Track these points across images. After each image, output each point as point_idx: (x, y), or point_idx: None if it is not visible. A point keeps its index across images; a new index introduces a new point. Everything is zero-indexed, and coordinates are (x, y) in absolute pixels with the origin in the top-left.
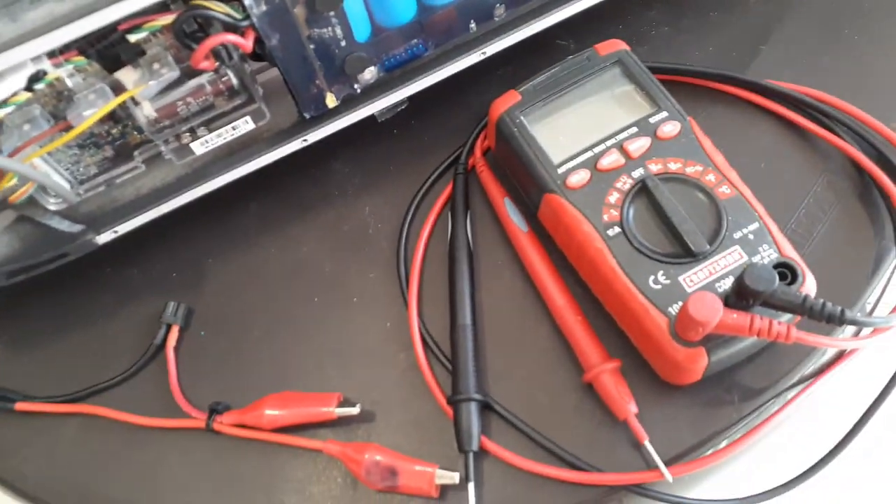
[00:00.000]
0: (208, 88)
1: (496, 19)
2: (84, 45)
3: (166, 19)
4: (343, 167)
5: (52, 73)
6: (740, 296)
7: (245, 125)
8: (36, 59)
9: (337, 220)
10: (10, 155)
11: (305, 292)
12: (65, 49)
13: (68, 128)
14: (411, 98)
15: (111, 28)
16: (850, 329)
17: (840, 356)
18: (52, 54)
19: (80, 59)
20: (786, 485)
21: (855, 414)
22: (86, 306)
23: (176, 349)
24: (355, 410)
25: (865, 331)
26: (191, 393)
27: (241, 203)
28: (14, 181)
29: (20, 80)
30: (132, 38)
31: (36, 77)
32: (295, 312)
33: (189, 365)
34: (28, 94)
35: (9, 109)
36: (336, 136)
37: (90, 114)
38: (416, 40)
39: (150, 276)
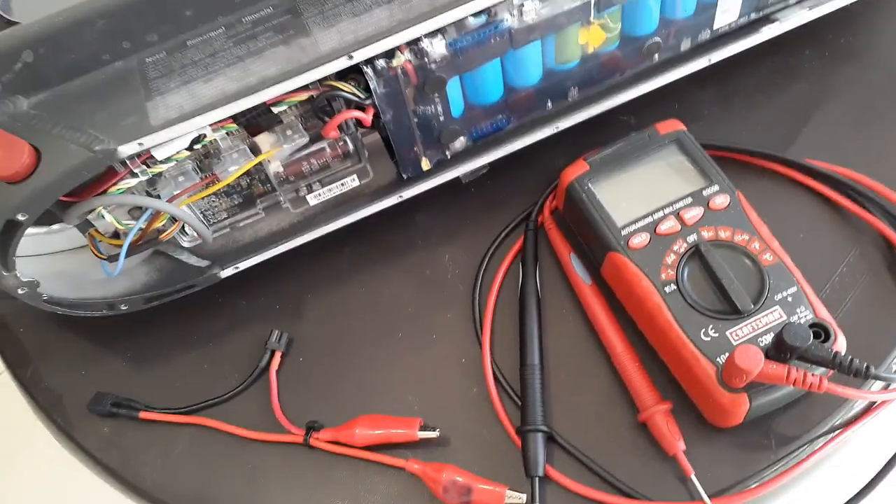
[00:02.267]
0: (328, 152)
1: (569, 99)
2: (237, 115)
3: (303, 96)
4: (427, 219)
5: (210, 136)
6: (779, 350)
7: (352, 182)
8: (201, 126)
9: (420, 265)
10: (169, 201)
11: (391, 328)
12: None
13: (213, 180)
14: (491, 163)
15: (262, 102)
16: (879, 385)
17: (868, 409)
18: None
19: (233, 126)
20: None
21: (880, 461)
22: (200, 331)
23: (278, 372)
24: (435, 434)
25: (893, 387)
26: (289, 412)
27: (337, 246)
28: (164, 222)
29: (185, 142)
30: (275, 109)
31: (197, 139)
32: (381, 344)
33: (288, 387)
34: (188, 153)
35: (171, 164)
36: (423, 194)
37: (234, 170)
38: (500, 116)
39: (256, 307)
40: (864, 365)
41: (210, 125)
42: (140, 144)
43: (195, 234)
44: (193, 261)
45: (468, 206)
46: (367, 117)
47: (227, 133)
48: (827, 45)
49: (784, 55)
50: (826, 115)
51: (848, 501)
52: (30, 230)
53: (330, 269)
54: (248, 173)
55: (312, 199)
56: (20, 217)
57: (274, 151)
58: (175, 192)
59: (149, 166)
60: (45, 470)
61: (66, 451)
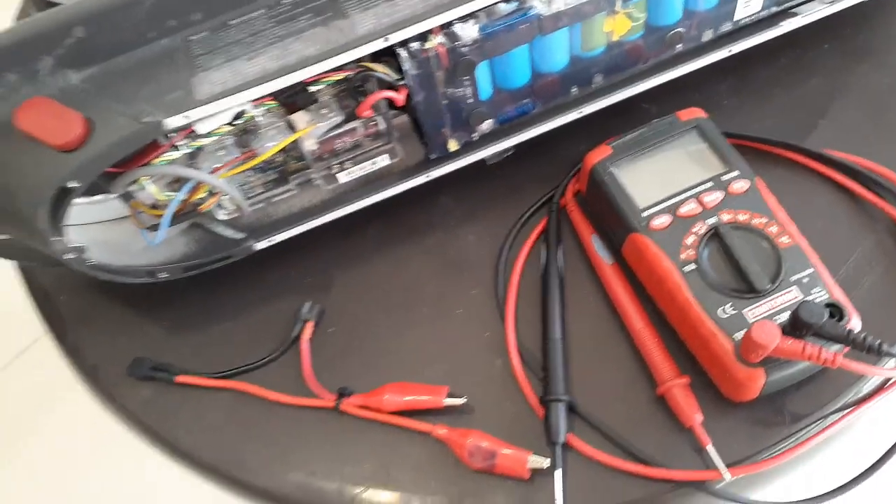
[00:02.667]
0: (361, 131)
1: (593, 86)
2: (276, 92)
3: (339, 76)
4: (450, 201)
5: (250, 112)
6: (795, 327)
7: (382, 161)
8: (242, 102)
9: (444, 244)
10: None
11: (416, 302)
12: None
13: (251, 155)
14: (515, 146)
15: (300, 80)
16: (892, 364)
17: (880, 388)
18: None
19: (272, 103)
20: (824, 495)
21: (891, 439)
22: (235, 302)
23: (310, 342)
24: (461, 401)
25: None
26: (321, 379)
27: (365, 224)
28: (203, 194)
29: (227, 117)
30: (312, 88)
31: (238, 115)
32: (408, 318)
33: (320, 356)
34: (229, 128)
35: (212, 139)
36: (447, 175)
37: (272, 145)
38: (527, 100)
39: (287, 280)
40: (878, 342)
41: (251, 101)
42: (186, 117)
43: (232, 207)
44: (229, 233)
45: (492, 189)
46: (400, 98)
47: (266, 110)
48: (845, 41)
49: (802, 49)
50: (841, 109)
51: (858, 476)
52: (75, 200)
53: (358, 246)
54: (283, 150)
55: (343, 177)
56: (72, 184)
57: (310, 129)
58: (215, 166)
59: (191, 140)
60: (82, 433)
61: (104, 415)
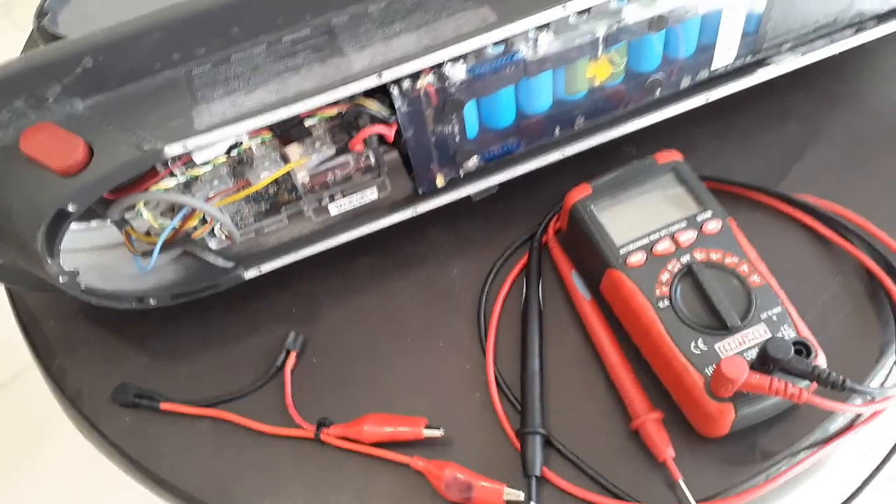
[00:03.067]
0: (352, 165)
1: (576, 127)
2: (272, 125)
3: (333, 111)
4: (438, 234)
5: (246, 143)
6: (763, 362)
7: (371, 194)
8: (239, 133)
9: (430, 277)
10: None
11: (400, 334)
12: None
13: (245, 185)
14: (500, 184)
15: (296, 114)
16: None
17: (849, 427)
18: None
19: (268, 135)
20: None
21: (861, 476)
22: (221, 331)
23: (292, 372)
24: (440, 433)
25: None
26: (302, 409)
27: (353, 257)
28: (196, 222)
29: (223, 147)
30: (307, 122)
31: (234, 145)
32: (391, 349)
33: (302, 386)
34: (224, 158)
35: (208, 168)
36: (434, 211)
37: (266, 176)
38: (512, 139)
39: (274, 310)
40: (841, 378)
41: (248, 133)
42: (184, 146)
43: (223, 236)
44: (220, 262)
45: (477, 224)
46: (390, 133)
47: (261, 141)
48: (819, 89)
49: (778, 97)
50: (815, 155)
51: None
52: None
53: (345, 278)
54: (276, 182)
55: (333, 209)
56: (70, 208)
57: (303, 161)
58: (210, 195)
59: (187, 169)
60: (68, 460)
61: (87, 442)
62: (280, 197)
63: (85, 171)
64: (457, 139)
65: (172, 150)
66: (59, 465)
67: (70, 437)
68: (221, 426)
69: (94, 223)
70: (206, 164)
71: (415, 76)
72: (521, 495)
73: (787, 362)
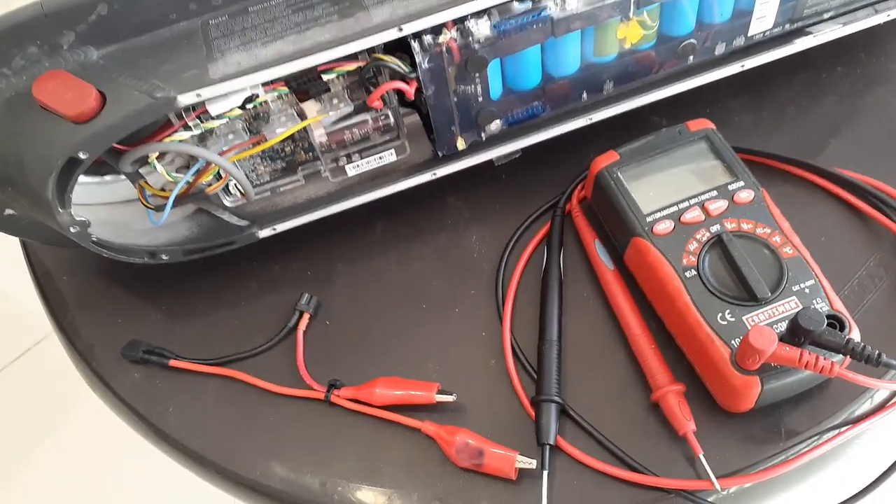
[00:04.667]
0: (370, 123)
1: (604, 93)
2: (288, 78)
3: (352, 66)
4: (457, 202)
5: (262, 97)
6: (793, 334)
7: (389, 156)
8: (255, 85)
9: (448, 244)
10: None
11: (416, 300)
12: (275, 80)
13: (261, 140)
14: (524, 149)
15: (313, 68)
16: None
17: (880, 408)
18: (264, 83)
19: (284, 89)
20: None
21: (887, 462)
22: (234, 290)
23: (305, 333)
24: (452, 398)
25: None
26: (313, 371)
27: (370, 221)
28: (210, 177)
29: (239, 99)
30: (325, 77)
31: (250, 98)
32: (406, 315)
33: (314, 348)
34: (240, 111)
35: (223, 121)
36: (454, 175)
37: (282, 131)
38: (536, 102)
39: (288, 272)
40: (877, 352)
41: (263, 85)
42: (198, 95)
43: (238, 193)
44: (234, 220)
45: (498, 192)
46: (410, 90)
47: (278, 95)
48: (859, 63)
49: (816, 70)
50: (853, 132)
51: (849, 499)
52: (82, 178)
53: (362, 243)
54: (292, 140)
55: (351, 170)
56: (81, 155)
57: (320, 117)
58: (224, 149)
59: (202, 121)
60: (80, 417)
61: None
62: (296, 156)
63: (97, 118)
64: (479, 100)
65: (186, 99)
66: (81, 432)
67: (92, 404)
68: (230, 385)
69: (107, 177)
70: (220, 116)
71: (437, 31)
72: (533, 463)
73: (819, 334)
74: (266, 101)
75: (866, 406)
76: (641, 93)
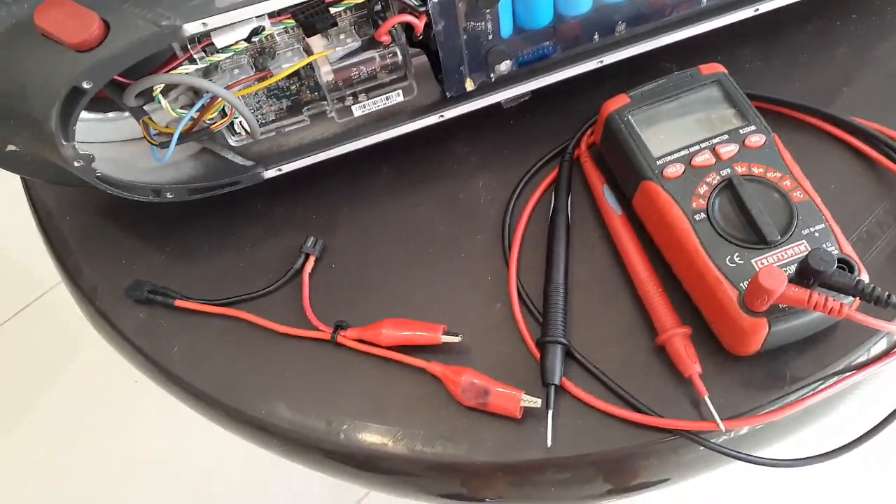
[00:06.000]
0: (378, 61)
1: (616, 34)
2: (296, 11)
3: None
4: (464, 147)
5: (269, 29)
6: (803, 276)
7: (397, 97)
8: (261, 16)
9: (454, 189)
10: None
11: (421, 244)
12: (282, 11)
13: (267, 76)
14: (533, 92)
15: (321, 0)
16: None
17: (885, 354)
18: (271, 14)
19: (291, 21)
20: (816, 457)
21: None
22: (239, 233)
23: (310, 276)
24: (458, 339)
25: None
26: (319, 313)
27: (376, 166)
28: (215, 114)
29: (245, 31)
30: (333, 10)
31: (256, 31)
32: (411, 259)
33: (320, 290)
34: (246, 45)
35: (229, 55)
36: (461, 120)
37: (288, 66)
38: (547, 43)
39: (293, 216)
40: (887, 293)
41: (270, 17)
42: (204, 24)
43: (243, 132)
44: (239, 160)
45: (506, 137)
46: (419, 24)
47: (284, 29)
48: (874, 12)
49: (830, 18)
50: (866, 80)
51: (852, 442)
52: (86, 115)
53: (367, 187)
54: (298, 78)
55: (357, 111)
56: (85, 85)
57: (327, 52)
58: (229, 84)
59: (207, 54)
60: (86, 361)
61: (112, 362)
62: (302, 95)
63: (100, 46)
64: (490, 38)
65: (191, 27)
66: (87, 376)
67: (98, 348)
68: (236, 325)
69: (111, 114)
70: (226, 50)
71: None
72: (538, 402)
73: (828, 275)
74: (272, 35)
75: (872, 352)
76: (653, 36)
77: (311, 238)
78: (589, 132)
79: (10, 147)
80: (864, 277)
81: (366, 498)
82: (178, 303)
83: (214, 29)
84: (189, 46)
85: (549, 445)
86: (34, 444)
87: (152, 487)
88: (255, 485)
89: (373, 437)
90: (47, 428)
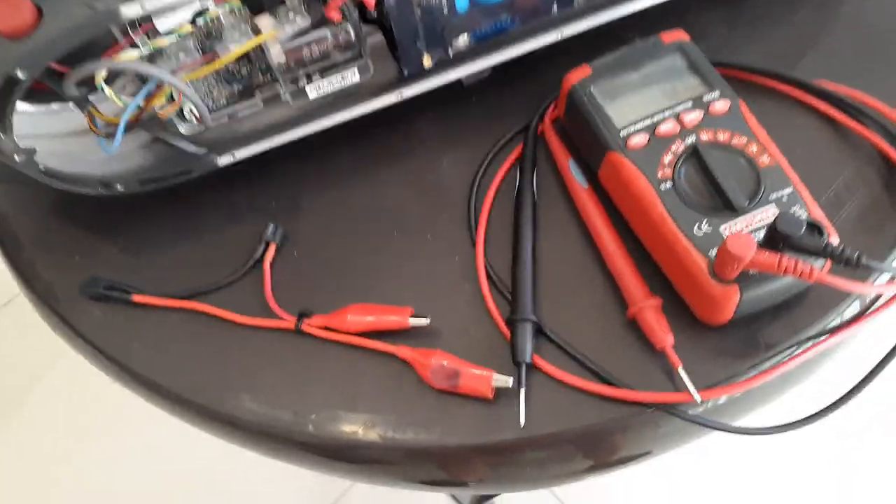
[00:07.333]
0: (330, 40)
1: (575, 5)
2: None
3: None
4: (427, 126)
5: (213, 10)
6: (771, 241)
7: (352, 77)
8: None
9: (418, 169)
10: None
11: (386, 227)
12: None
13: (214, 58)
14: (494, 68)
15: None
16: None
17: (858, 317)
18: None
19: (236, 2)
20: (793, 423)
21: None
22: (197, 223)
23: (272, 265)
24: (426, 321)
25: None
26: (282, 303)
27: (336, 148)
28: (163, 101)
29: (187, 13)
30: None
31: (200, 13)
32: (376, 242)
33: (283, 279)
34: (190, 28)
35: (172, 38)
36: (423, 98)
37: (234, 48)
38: (505, 15)
39: (252, 203)
40: (857, 253)
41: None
42: (142, 7)
43: (194, 118)
44: (191, 148)
45: (469, 115)
46: (371, 0)
47: (230, 10)
48: None
49: None
50: (829, 43)
51: (828, 407)
52: (28, 108)
53: (328, 171)
54: (248, 61)
55: (312, 92)
56: (20, 74)
57: (275, 32)
58: (174, 68)
59: (150, 38)
60: (45, 359)
61: (57, 337)
62: (254, 78)
63: (34, 33)
64: (445, 12)
65: (129, 10)
66: (68, 382)
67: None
68: (197, 319)
69: (54, 106)
70: (170, 33)
71: None
72: (509, 381)
73: (797, 239)
74: (218, 17)
75: (846, 315)
76: (614, 5)
77: (272, 225)
78: (552, 106)
79: None
80: (834, 240)
81: (352, 488)
82: (135, 298)
83: (153, 11)
84: (130, 31)
85: (522, 424)
86: (22, 446)
87: (139, 485)
88: (244, 476)
89: (344, 427)
90: (34, 431)
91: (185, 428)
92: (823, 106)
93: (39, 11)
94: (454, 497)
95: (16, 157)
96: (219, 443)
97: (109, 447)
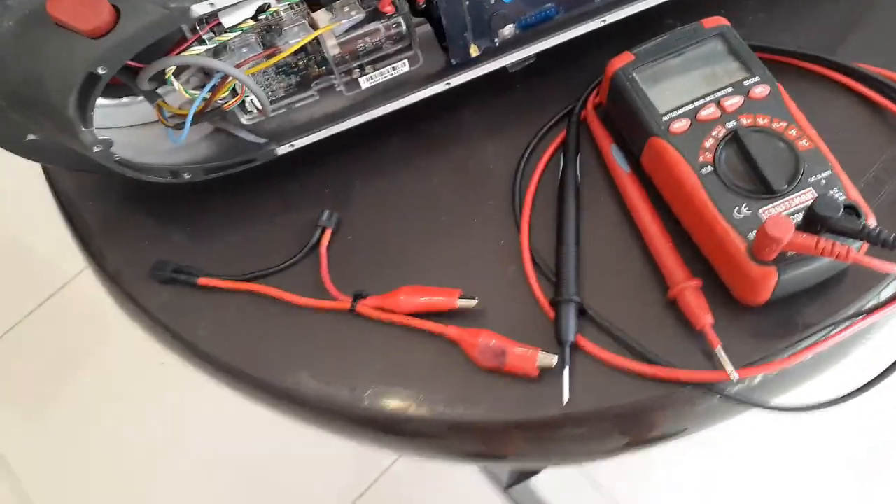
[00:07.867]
0: (382, 32)
1: None
2: None
3: None
4: (472, 114)
5: (275, 6)
6: (810, 223)
7: (403, 67)
8: None
9: (464, 156)
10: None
11: (434, 212)
12: None
13: (274, 52)
14: (538, 55)
15: None
16: None
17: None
18: None
19: None
20: (828, 402)
21: None
22: (255, 210)
23: (328, 248)
24: (474, 302)
25: None
26: (338, 284)
27: (386, 137)
28: (226, 93)
29: (251, 9)
30: None
31: (262, 9)
32: (425, 227)
33: (337, 262)
34: (253, 23)
35: (237, 34)
36: (468, 87)
37: (295, 42)
38: (549, 4)
39: (307, 190)
40: (894, 235)
41: None
42: (211, 4)
43: (255, 109)
44: (252, 138)
45: (512, 102)
46: None
47: (289, 5)
48: None
49: None
50: (869, 27)
51: (863, 386)
52: (102, 101)
53: (378, 159)
54: (305, 53)
55: (365, 83)
56: (100, 70)
57: (332, 26)
58: (238, 63)
59: (216, 34)
60: (111, 339)
61: (123, 325)
62: (310, 70)
63: (112, 32)
64: (492, 2)
65: (200, 8)
66: (115, 359)
67: (123, 334)
68: (257, 300)
69: (125, 99)
70: (234, 29)
71: None
72: (553, 360)
73: (835, 221)
74: (278, 12)
75: (882, 296)
76: None
77: (327, 211)
78: (595, 92)
79: (31, 136)
80: (872, 222)
81: (394, 465)
82: (200, 281)
83: (222, 8)
84: (198, 28)
85: (565, 402)
86: (64, 432)
87: (180, 469)
88: (279, 461)
89: (395, 402)
90: (75, 415)
91: (217, 417)
92: (863, 89)
93: (117, 12)
94: (489, 475)
95: (94, 149)
96: (251, 434)
97: (145, 432)
